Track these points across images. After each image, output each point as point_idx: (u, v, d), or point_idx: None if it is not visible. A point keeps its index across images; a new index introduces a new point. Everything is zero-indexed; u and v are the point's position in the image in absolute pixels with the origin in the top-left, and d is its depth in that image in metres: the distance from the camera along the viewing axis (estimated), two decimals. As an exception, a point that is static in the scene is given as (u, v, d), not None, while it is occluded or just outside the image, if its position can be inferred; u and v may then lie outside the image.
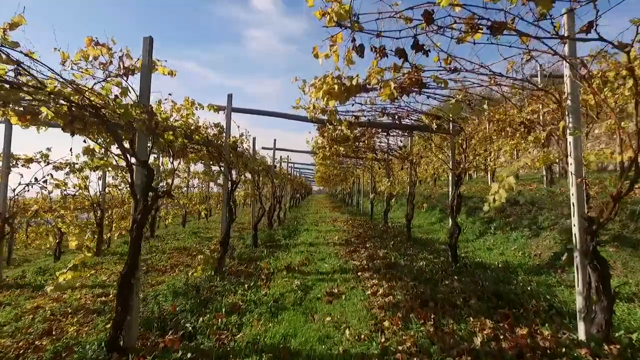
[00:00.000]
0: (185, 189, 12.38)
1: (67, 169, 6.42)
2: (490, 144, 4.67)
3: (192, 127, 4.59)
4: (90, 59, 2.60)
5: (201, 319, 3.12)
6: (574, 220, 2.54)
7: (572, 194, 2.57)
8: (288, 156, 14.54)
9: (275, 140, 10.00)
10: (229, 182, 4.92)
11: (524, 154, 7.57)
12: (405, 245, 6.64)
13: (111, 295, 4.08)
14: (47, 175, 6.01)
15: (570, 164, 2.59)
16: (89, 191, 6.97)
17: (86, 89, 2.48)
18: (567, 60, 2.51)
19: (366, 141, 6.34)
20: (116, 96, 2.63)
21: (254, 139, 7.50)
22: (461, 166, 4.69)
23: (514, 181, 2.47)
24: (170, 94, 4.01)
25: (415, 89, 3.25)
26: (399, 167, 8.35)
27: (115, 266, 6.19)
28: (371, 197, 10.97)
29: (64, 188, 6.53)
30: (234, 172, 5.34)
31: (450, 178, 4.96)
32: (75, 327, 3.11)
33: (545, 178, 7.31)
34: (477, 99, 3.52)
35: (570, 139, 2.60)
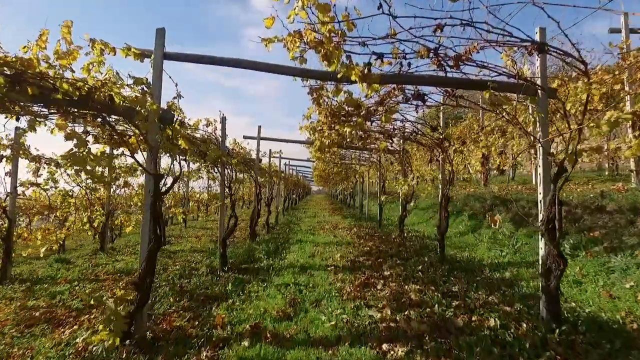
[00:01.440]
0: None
1: None
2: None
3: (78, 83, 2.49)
4: None
5: None
6: None
7: None
8: (280, 150, 12.40)
9: (260, 127, 7.87)
10: (152, 179, 2.78)
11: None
12: (441, 271, 4.51)
13: None
14: None
15: None
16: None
17: None
18: None
19: (383, 118, 4.21)
20: None
21: (224, 118, 5.36)
22: (569, 148, 2.56)
23: None
24: None
25: None
26: (424, 159, 6.21)
27: (10, 304, 4.07)
28: (381, 200, 8.85)
29: None
30: (172, 161, 3.20)
31: (539, 170, 2.82)
32: None
33: (635, 174, 5.18)
34: None
35: None
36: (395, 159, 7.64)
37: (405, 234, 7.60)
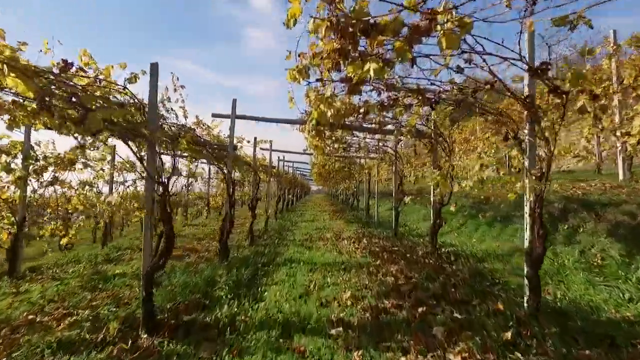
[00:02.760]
0: (106, 186, 7.96)
1: None
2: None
3: None
4: None
5: None
6: None
7: None
8: (271, 141, 10.18)
9: (234, 100, 5.63)
10: None
11: None
12: (550, 338, 2.30)
13: None
14: None
15: None
16: None
17: None
18: None
19: (444, 40, 2.01)
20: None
21: (155, 65, 3.11)
22: None
23: None
24: None
25: None
26: (491, 139, 3.97)
27: None
28: (400, 203, 6.64)
29: None
30: None
31: None
32: None
33: None
34: None
35: None
36: (425, 144, 5.42)
37: (439, 251, 5.39)
